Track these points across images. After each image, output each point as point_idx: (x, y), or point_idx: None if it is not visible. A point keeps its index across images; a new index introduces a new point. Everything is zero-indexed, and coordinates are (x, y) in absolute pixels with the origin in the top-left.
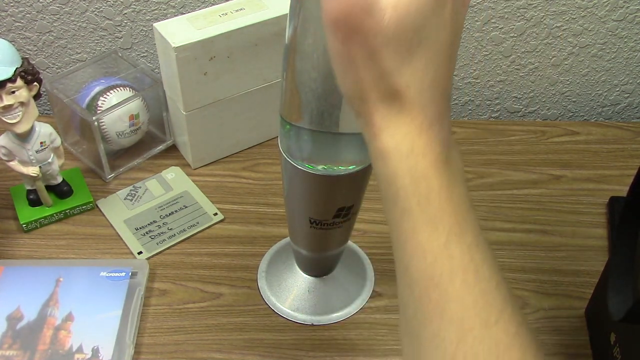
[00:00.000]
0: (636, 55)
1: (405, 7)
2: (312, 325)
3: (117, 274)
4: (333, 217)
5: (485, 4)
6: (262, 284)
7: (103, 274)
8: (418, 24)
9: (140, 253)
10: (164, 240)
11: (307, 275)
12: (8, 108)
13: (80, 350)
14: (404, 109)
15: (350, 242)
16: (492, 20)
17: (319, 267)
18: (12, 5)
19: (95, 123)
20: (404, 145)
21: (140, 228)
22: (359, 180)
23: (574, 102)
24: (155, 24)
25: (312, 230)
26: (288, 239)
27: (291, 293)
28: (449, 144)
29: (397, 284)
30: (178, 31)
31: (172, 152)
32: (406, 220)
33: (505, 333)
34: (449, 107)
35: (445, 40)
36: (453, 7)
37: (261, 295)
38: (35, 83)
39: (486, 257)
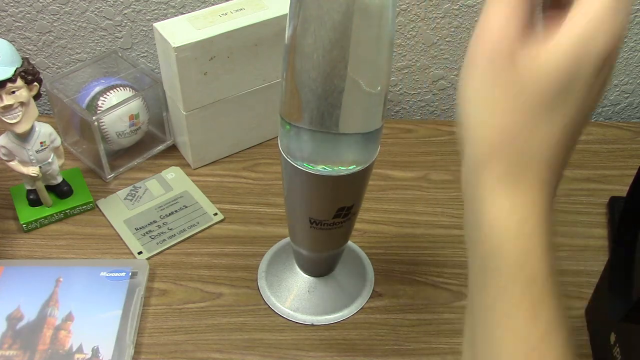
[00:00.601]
0: (636, 55)
1: (566, 65)
2: (312, 325)
3: (117, 274)
4: (333, 217)
5: None
6: (262, 284)
7: (103, 274)
8: (566, 83)
9: (140, 253)
10: (164, 240)
11: (307, 275)
12: (8, 108)
13: (80, 350)
14: (524, 176)
15: (350, 242)
16: None
17: (319, 267)
18: (12, 5)
19: (95, 123)
20: (515, 221)
21: (140, 228)
22: (359, 180)
23: None
24: (155, 24)
25: (312, 230)
26: (288, 239)
27: (291, 293)
28: (552, 219)
29: (469, 339)
30: (178, 31)
31: (172, 152)
32: (501, 302)
33: None
34: (558, 185)
35: (588, 107)
36: (604, 79)
37: (261, 295)
38: (35, 83)
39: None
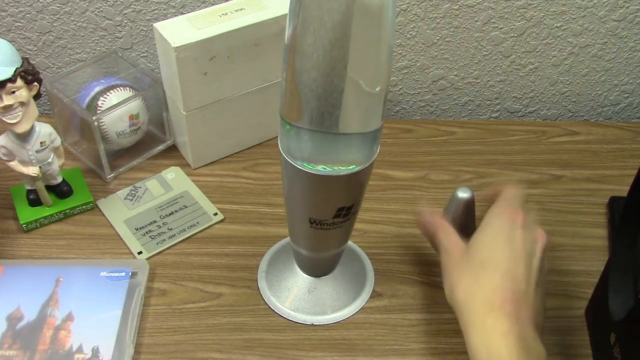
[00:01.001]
0: (636, 55)
1: (478, 245)
2: (312, 325)
3: (117, 274)
4: (333, 217)
5: (485, 4)
6: (262, 284)
7: (103, 274)
8: (485, 255)
9: (140, 253)
10: (164, 240)
11: (307, 275)
12: (8, 108)
13: (80, 350)
14: (486, 313)
15: (350, 243)
16: (492, 20)
17: (319, 267)
18: (12, 5)
19: (95, 123)
20: (483, 347)
21: (140, 228)
22: (359, 180)
23: (574, 102)
24: (155, 24)
25: (312, 230)
26: (288, 239)
27: (291, 293)
28: (526, 340)
29: None
30: (178, 31)
31: (172, 152)
32: None
33: None
34: (528, 309)
35: (514, 257)
36: (523, 237)
37: (261, 295)
38: (35, 83)
39: None
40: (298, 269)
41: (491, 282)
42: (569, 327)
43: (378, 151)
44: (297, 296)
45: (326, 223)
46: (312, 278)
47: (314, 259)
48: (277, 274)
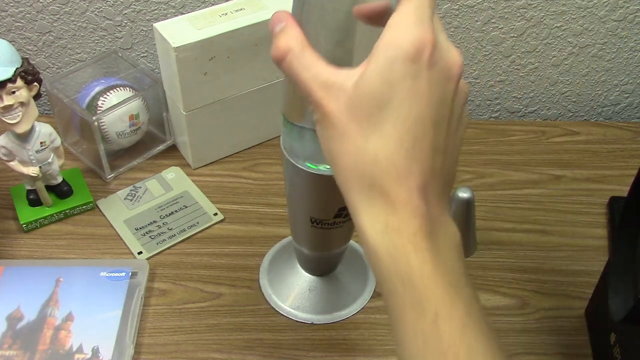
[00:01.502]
0: (636, 55)
1: (367, 81)
2: (313, 324)
3: (117, 274)
4: (334, 216)
5: (485, 4)
6: (263, 282)
7: (103, 274)
8: (381, 95)
9: (140, 253)
10: (164, 240)
11: (308, 274)
12: (8, 108)
13: (80, 350)
14: (374, 184)
15: (352, 242)
16: (492, 20)
17: (321, 266)
18: (12, 5)
19: (95, 123)
20: (379, 223)
21: (140, 228)
22: None
23: (574, 102)
24: (155, 24)
25: (314, 230)
26: (290, 237)
27: (292, 291)
28: (433, 217)
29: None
30: (178, 31)
31: (172, 152)
32: (393, 301)
33: None
34: (438, 180)
35: (421, 112)
36: (430, 80)
37: (262, 293)
38: (35, 83)
39: (480, 328)
40: (300, 268)
41: (413, 141)
42: (569, 327)
43: None
44: (298, 295)
45: (327, 223)
46: (313, 277)
47: (315, 258)
48: (279, 272)
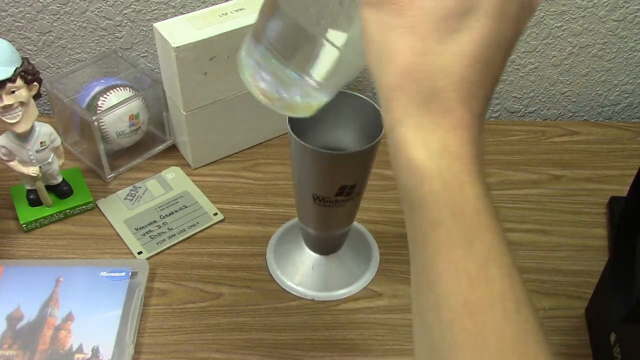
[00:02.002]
0: (636, 55)
1: None
2: (313, 300)
3: (117, 274)
4: (336, 194)
5: None
6: (270, 257)
7: (103, 274)
8: (468, 1)
9: (140, 253)
10: (164, 240)
11: (312, 252)
12: (8, 108)
13: (80, 350)
14: (436, 97)
15: (356, 223)
16: None
17: (325, 245)
18: (12, 5)
19: (95, 123)
20: (435, 142)
21: (140, 228)
22: (362, 160)
23: (574, 102)
24: (155, 24)
25: (317, 207)
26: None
27: (295, 268)
28: (483, 146)
29: (414, 292)
30: (178, 31)
31: (172, 152)
32: (437, 233)
33: None
34: (487, 105)
35: (501, 31)
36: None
37: (267, 268)
38: (35, 83)
39: (522, 279)
40: (305, 246)
41: (484, 59)
42: (569, 327)
43: (383, 134)
44: (301, 271)
45: (329, 200)
46: (317, 255)
47: (319, 237)
48: (285, 249)
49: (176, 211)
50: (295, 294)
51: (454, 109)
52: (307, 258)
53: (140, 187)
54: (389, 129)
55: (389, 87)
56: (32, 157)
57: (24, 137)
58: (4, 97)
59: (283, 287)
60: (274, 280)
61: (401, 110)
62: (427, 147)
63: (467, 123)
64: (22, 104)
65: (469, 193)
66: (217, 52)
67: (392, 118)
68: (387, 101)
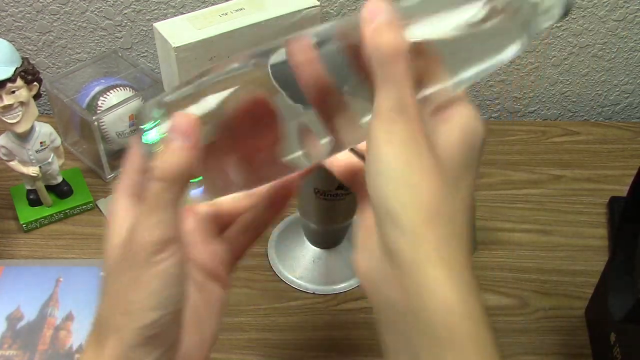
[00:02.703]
0: (636, 55)
1: (465, 139)
2: (314, 294)
3: None
4: (336, 187)
5: None
6: (271, 252)
7: (103, 273)
8: (471, 159)
9: None
10: None
11: (313, 246)
12: (8, 108)
13: (80, 350)
14: (457, 233)
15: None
16: None
17: (325, 239)
18: (12, 5)
19: (95, 123)
20: (462, 282)
21: None
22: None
23: (574, 102)
24: (155, 24)
25: (318, 201)
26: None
27: (296, 262)
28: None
29: None
30: (178, 31)
31: None
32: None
33: None
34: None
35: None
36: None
37: (268, 262)
38: (35, 83)
39: None
40: (305, 239)
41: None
42: (569, 327)
43: None
44: (302, 265)
45: (330, 194)
46: (318, 249)
47: (320, 231)
48: (286, 243)
49: None
50: (296, 287)
51: (463, 245)
52: (308, 252)
53: None
54: (412, 266)
55: (409, 224)
56: (32, 157)
57: (24, 137)
58: (4, 97)
59: (284, 280)
60: (274, 279)
61: (426, 254)
62: (456, 285)
63: (467, 261)
64: (22, 104)
65: (488, 335)
66: (217, 52)
67: (405, 257)
68: (412, 242)
